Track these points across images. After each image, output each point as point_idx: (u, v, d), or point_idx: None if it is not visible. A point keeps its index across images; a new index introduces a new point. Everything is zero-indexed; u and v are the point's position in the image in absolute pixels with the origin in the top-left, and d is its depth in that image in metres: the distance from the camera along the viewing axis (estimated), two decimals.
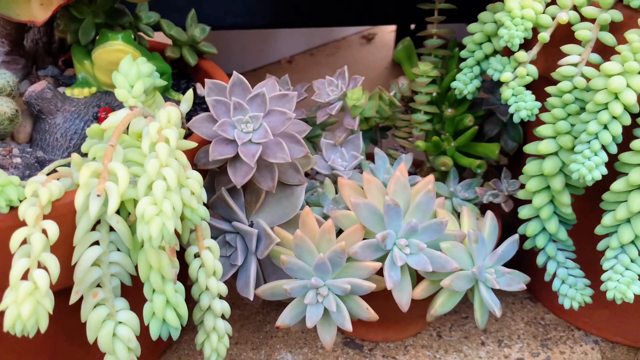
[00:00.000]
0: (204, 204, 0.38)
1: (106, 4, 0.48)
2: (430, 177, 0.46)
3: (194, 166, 0.42)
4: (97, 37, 0.46)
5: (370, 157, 0.57)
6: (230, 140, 0.39)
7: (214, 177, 0.44)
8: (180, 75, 0.57)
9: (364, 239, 0.44)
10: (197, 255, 0.40)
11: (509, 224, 0.52)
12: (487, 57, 0.46)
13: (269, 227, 0.44)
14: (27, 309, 0.30)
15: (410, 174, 0.61)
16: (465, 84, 0.47)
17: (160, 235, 0.33)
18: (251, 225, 0.44)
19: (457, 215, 0.51)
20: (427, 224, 0.43)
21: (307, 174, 0.54)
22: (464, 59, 0.48)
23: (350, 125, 0.50)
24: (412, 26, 1.11)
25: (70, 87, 0.48)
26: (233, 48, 1.15)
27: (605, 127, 0.38)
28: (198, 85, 0.56)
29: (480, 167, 0.50)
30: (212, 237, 0.42)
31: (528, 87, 0.44)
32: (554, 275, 0.46)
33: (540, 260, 0.46)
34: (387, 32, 1.33)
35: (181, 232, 0.38)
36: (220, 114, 0.40)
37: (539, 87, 0.44)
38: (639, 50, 0.37)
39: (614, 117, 0.38)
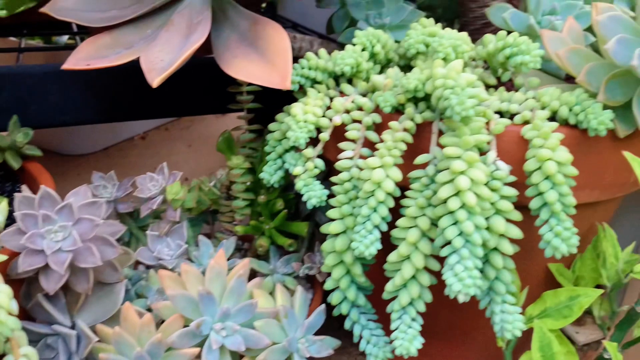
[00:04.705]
0: (23, 308, 0.39)
1: None
2: (245, 261, 0.51)
3: (7, 277, 0.43)
4: None
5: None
6: (40, 251, 0.42)
7: (31, 283, 0.46)
8: (6, 178, 0.58)
9: (185, 326, 0.47)
10: None
11: None
12: (287, 150, 0.53)
13: (92, 325, 0.46)
14: None
15: (240, 249, 0.66)
16: (270, 174, 0.53)
17: None
18: (73, 326, 0.46)
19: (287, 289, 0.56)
20: (240, 307, 0.47)
21: (137, 264, 0.57)
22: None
23: (172, 217, 0.54)
24: None
25: None
26: (82, 127, 1.14)
27: (375, 210, 0.45)
28: (24, 187, 0.57)
29: (292, 246, 0.56)
30: (33, 341, 0.43)
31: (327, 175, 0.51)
32: (360, 337, 0.52)
33: (347, 324, 0.52)
34: None
35: None
36: (29, 226, 0.42)
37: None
38: (391, 148, 0.45)
39: (380, 202, 0.45)
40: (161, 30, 0.51)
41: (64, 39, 1.10)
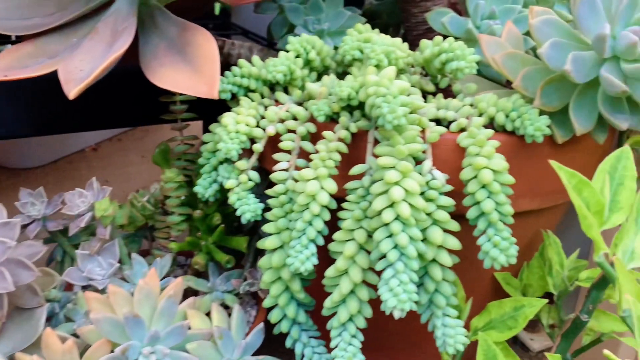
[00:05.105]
0: None
1: None
2: (178, 280, 0.48)
3: None
4: None
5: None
6: None
7: None
8: None
9: (112, 352, 0.44)
10: None
11: None
12: (221, 163, 0.51)
13: (11, 353, 0.43)
14: None
15: (183, 266, 0.63)
16: (205, 188, 0.51)
17: None
18: None
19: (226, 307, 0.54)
20: (170, 329, 0.45)
21: (69, 287, 0.54)
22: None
23: (102, 235, 0.51)
24: None
25: None
26: (29, 139, 1.10)
27: (310, 223, 0.43)
28: None
29: (230, 262, 0.53)
30: None
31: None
32: (302, 355, 0.50)
33: (288, 343, 0.50)
34: None
35: None
36: None
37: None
38: (325, 158, 0.43)
39: (315, 215, 0.43)
40: (85, 38, 0.48)
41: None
